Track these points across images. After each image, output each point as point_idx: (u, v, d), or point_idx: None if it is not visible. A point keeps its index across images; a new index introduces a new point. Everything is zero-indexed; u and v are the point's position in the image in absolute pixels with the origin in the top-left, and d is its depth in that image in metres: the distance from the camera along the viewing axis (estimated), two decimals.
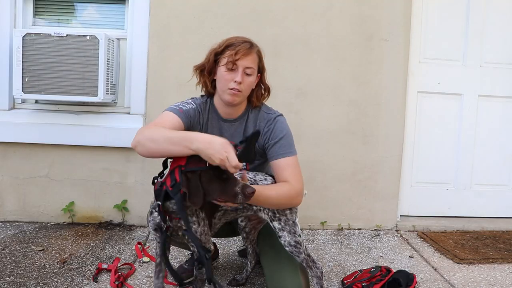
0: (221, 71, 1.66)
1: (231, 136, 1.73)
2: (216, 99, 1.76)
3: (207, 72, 1.73)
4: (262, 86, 1.78)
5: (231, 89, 1.63)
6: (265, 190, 1.57)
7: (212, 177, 1.40)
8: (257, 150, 1.71)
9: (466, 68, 2.98)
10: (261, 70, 1.75)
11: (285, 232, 1.63)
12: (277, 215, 1.63)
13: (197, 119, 1.72)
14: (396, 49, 2.80)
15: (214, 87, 1.73)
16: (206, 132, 1.73)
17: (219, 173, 1.40)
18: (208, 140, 1.38)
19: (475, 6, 2.94)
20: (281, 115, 1.79)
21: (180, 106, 1.71)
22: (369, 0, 2.77)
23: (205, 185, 1.39)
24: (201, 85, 1.78)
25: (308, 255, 1.68)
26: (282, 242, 1.63)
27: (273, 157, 1.69)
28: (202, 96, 1.81)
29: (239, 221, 1.88)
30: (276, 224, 1.63)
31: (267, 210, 1.64)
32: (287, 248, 1.64)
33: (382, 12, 2.78)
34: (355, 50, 2.79)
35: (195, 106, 1.73)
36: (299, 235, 1.65)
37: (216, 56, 1.69)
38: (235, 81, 1.62)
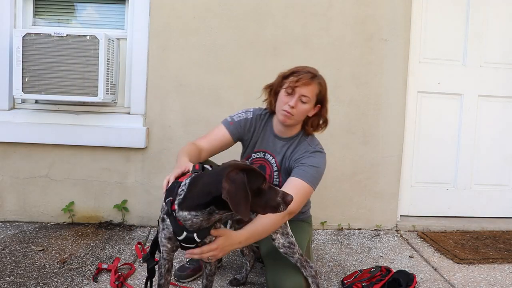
0: (281, 93, 1.81)
1: (275, 151, 1.90)
2: (275, 116, 1.91)
3: (273, 92, 1.88)
4: (321, 118, 1.89)
5: (284, 110, 1.78)
6: (259, 226, 1.57)
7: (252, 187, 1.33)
8: (287, 173, 1.84)
9: (466, 68, 2.98)
10: (321, 101, 1.85)
11: (278, 235, 1.64)
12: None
13: (247, 128, 1.92)
14: (396, 49, 2.80)
15: (275, 106, 1.88)
16: (256, 140, 1.92)
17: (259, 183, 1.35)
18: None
19: (475, 6, 2.94)
20: (323, 152, 1.88)
21: (234, 117, 1.92)
22: (369, 0, 2.77)
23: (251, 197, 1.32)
24: (267, 101, 1.93)
25: (301, 255, 1.69)
26: (276, 244, 1.65)
27: (292, 174, 1.77)
28: (265, 109, 1.97)
29: (228, 226, 1.87)
30: None
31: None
32: (281, 250, 1.65)
33: (382, 12, 2.78)
34: (355, 50, 2.80)
35: (251, 116, 1.93)
36: (292, 236, 1.67)
37: (282, 79, 1.83)
38: (289, 104, 1.76)
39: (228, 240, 1.47)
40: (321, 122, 1.90)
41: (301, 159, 1.81)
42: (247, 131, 1.91)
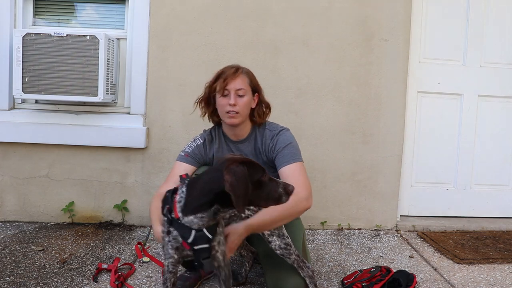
0: (218, 99, 1.81)
1: (245, 155, 1.85)
2: (223, 125, 1.91)
3: (205, 104, 1.89)
4: (263, 104, 1.90)
5: (228, 112, 1.77)
6: (267, 215, 1.59)
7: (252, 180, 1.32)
8: (270, 166, 1.85)
9: (466, 68, 2.98)
10: (255, 89, 1.86)
11: (274, 237, 1.64)
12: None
13: (204, 152, 1.90)
14: (396, 49, 2.80)
15: (217, 115, 1.87)
16: (219, 156, 1.88)
17: (259, 175, 1.33)
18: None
19: (475, 6, 2.94)
20: (286, 129, 1.90)
21: (186, 149, 1.91)
22: (369, 0, 2.77)
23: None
24: (206, 116, 1.93)
25: (298, 256, 1.69)
26: (273, 246, 1.65)
27: (279, 166, 1.79)
28: (213, 126, 1.97)
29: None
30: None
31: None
32: (277, 252, 1.65)
33: (382, 12, 2.78)
34: (355, 50, 2.80)
35: (201, 141, 1.92)
36: (287, 237, 1.67)
37: (210, 88, 1.84)
38: (230, 104, 1.75)
39: (238, 228, 1.53)
40: (264, 108, 1.90)
41: (275, 147, 1.83)
42: (205, 154, 1.90)
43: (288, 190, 1.35)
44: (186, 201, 1.34)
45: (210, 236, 1.36)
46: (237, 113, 1.76)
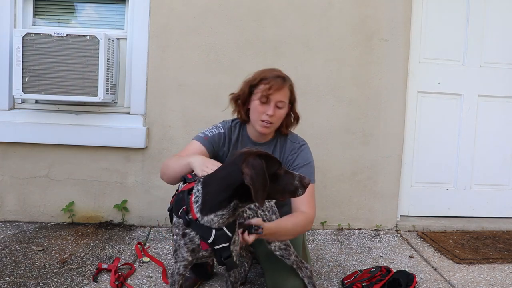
0: (255, 103, 1.75)
1: None
2: (249, 126, 1.87)
3: (241, 102, 1.81)
4: (292, 116, 1.87)
5: (263, 121, 1.73)
6: (282, 224, 1.61)
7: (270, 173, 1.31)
8: None
9: (466, 68, 2.98)
10: (291, 101, 1.83)
11: None
12: (265, 221, 1.62)
13: (222, 143, 1.84)
14: (396, 49, 2.80)
15: (247, 115, 1.83)
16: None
17: (276, 168, 1.33)
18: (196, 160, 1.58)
19: (475, 6, 2.94)
20: (306, 144, 1.89)
21: (207, 132, 1.84)
22: (369, 0, 2.77)
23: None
24: (236, 112, 1.88)
25: (297, 256, 1.69)
26: (272, 248, 1.65)
27: None
28: (233, 120, 1.91)
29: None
30: None
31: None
32: (277, 253, 1.65)
33: (382, 12, 2.78)
34: (355, 50, 2.79)
35: (222, 130, 1.86)
36: None
37: (251, 88, 1.77)
38: (267, 114, 1.71)
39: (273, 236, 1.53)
40: (293, 120, 1.88)
41: (293, 161, 1.82)
42: (222, 145, 1.85)
43: (304, 183, 1.35)
44: (204, 199, 1.32)
45: (230, 234, 1.35)
46: (271, 123, 1.74)
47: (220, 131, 1.85)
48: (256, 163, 1.26)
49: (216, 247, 1.34)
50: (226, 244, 1.35)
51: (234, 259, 1.42)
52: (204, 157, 1.58)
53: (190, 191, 1.38)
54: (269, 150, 1.85)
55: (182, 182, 1.55)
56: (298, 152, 1.84)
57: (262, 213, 1.64)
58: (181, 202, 1.38)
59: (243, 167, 1.25)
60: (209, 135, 1.82)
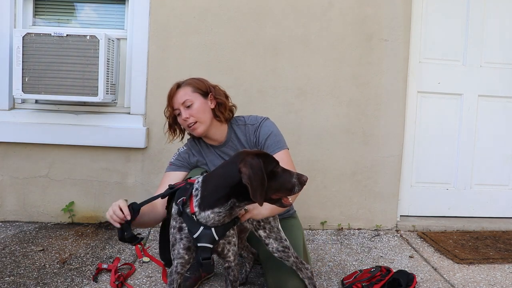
0: (178, 120, 1.85)
1: (231, 155, 1.83)
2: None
3: (172, 130, 1.91)
4: (221, 99, 1.86)
5: (188, 127, 1.81)
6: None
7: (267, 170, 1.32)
8: None
9: (466, 68, 2.98)
10: (207, 90, 1.85)
11: (271, 240, 1.64)
12: (262, 223, 1.63)
13: (191, 154, 1.91)
14: (396, 49, 2.80)
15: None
16: (207, 161, 1.90)
17: (273, 166, 1.34)
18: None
19: (475, 6, 2.94)
20: (265, 118, 1.90)
21: (171, 160, 1.91)
22: (369, 0, 2.78)
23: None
24: (180, 136, 1.95)
25: (296, 257, 1.68)
26: (270, 249, 1.64)
27: None
28: (188, 139, 1.99)
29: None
30: (261, 233, 1.64)
31: (251, 220, 1.62)
32: (275, 255, 1.65)
33: (382, 12, 2.78)
34: (355, 50, 2.80)
35: (184, 148, 1.93)
36: (285, 240, 1.66)
37: (166, 114, 1.88)
38: (184, 119, 1.79)
39: (256, 209, 1.52)
40: (227, 102, 1.87)
41: (258, 140, 1.84)
42: (192, 156, 1.90)
43: (302, 180, 1.36)
44: (202, 195, 1.33)
45: (216, 237, 1.36)
46: (195, 122, 1.78)
47: (182, 149, 1.93)
48: (254, 162, 1.27)
49: (199, 244, 1.35)
50: (209, 245, 1.35)
51: (233, 258, 1.43)
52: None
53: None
54: (233, 147, 1.87)
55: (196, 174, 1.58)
56: (259, 129, 1.85)
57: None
58: (183, 192, 1.40)
59: (241, 166, 1.26)
60: (172, 160, 1.91)
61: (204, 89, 1.84)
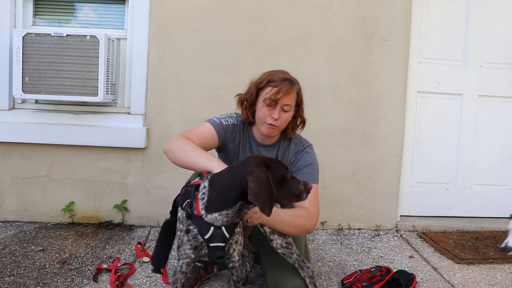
0: (260, 105, 1.73)
1: None
2: (255, 128, 1.84)
3: (248, 104, 1.78)
4: (299, 118, 1.85)
5: (268, 124, 1.71)
6: (282, 212, 1.60)
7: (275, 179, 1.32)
8: None
9: (466, 68, 2.98)
10: (298, 104, 1.80)
11: (275, 235, 1.64)
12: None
13: (233, 136, 1.82)
14: (396, 49, 2.80)
15: (253, 117, 1.79)
16: (237, 149, 1.84)
17: (282, 174, 1.35)
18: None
19: (475, 6, 2.94)
20: (311, 145, 1.89)
21: (222, 120, 1.80)
22: (369, 0, 2.77)
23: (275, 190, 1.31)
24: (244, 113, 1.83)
25: (299, 255, 1.68)
26: (274, 245, 1.64)
27: None
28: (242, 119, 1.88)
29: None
30: (266, 229, 1.64)
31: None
32: (279, 251, 1.65)
33: (382, 12, 2.78)
34: (355, 50, 2.79)
35: (236, 123, 1.83)
36: (289, 236, 1.66)
37: (257, 90, 1.74)
38: (273, 117, 1.70)
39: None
40: (298, 122, 1.86)
41: (297, 163, 1.82)
42: (232, 139, 1.82)
43: (307, 188, 1.38)
44: (210, 197, 1.33)
45: (227, 235, 1.36)
46: (277, 126, 1.72)
47: (235, 123, 1.82)
48: (262, 176, 1.26)
49: (211, 245, 1.35)
50: (222, 244, 1.36)
51: (237, 258, 1.43)
52: (222, 163, 1.50)
53: (197, 187, 1.39)
54: (273, 153, 1.85)
55: (197, 177, 1.55)
56: (302, 154, 1.84)
57: None
58: (187, 195, 1.39)
59: (249, 180, 1.25)
60: (224, 123, 1.78)
61: (299, 102, 1.80)
